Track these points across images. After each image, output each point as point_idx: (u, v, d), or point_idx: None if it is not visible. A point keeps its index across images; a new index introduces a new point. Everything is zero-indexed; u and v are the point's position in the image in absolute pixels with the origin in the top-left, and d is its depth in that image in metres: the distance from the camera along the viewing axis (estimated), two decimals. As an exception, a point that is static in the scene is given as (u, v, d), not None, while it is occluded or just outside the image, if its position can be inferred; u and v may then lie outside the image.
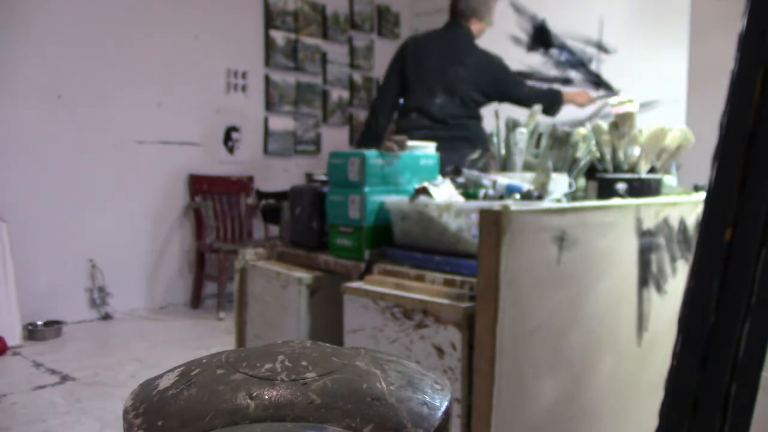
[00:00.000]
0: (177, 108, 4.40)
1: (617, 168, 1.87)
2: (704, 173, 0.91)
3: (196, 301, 4.44)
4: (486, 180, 1.76)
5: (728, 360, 0.78)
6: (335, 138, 5.52)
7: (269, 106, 4.99)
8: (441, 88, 2.93)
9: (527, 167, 1.95)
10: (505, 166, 1.97)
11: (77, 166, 3.93)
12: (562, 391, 1.38)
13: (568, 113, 3.16)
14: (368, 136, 3.05)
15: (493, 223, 1.20)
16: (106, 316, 4.04)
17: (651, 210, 1.62)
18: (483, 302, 1.22)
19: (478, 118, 3.00)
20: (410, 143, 1.83)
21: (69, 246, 3.90)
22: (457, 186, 1.78)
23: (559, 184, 1.78)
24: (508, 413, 1.23)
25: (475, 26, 3.05)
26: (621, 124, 1.85)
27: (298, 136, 5.21)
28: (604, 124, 1.91)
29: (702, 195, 1.68)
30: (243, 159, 4.83)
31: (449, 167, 2.00)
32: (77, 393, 2.73)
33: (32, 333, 3.55)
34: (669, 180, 2.00)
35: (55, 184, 3.84)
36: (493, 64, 3.01)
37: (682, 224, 1.74)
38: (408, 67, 3.01)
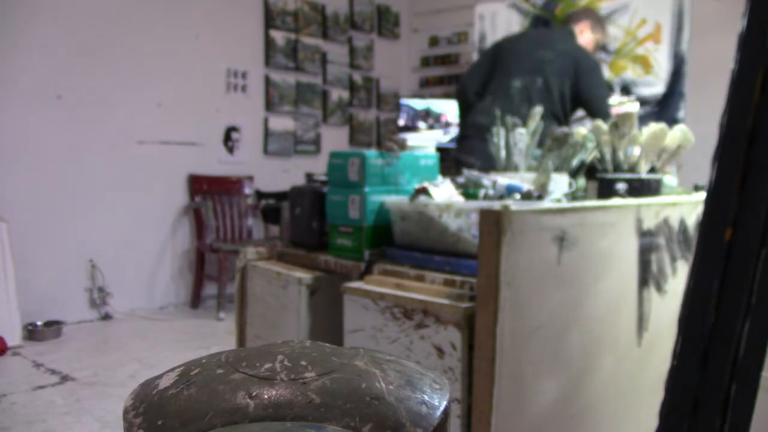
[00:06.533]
0: (177, 108, 4.40)
1: (617, 168, 1.87)
2: (704, 173, 0.91)
3: (196, 301, 4.44)
4: (486, 180, 1.76)
5: (728, 360, 0.78)
6: (335, 138, 5.52)
7: (269, 106, 4.99)
8: (524, 69, 2.73)
9: (529, 168, 1.95)
10: (506, 166, 1.97)
11: (77, 166, 3.93)
12: (562, 391, 1.38)
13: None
14: (464, 114, 2.93)
15: (493, 223, 1.20)
16: (106, 316, 4.04)
17: (651, 210, 1.62)
18: (483, 302, 1.22)
19: (555, 117, 2.71)
20: (411, 143, 1.83)
21: (69, 246, 3.90)
22: (457, 186, 1.77)
23: (559, 184, 1.78)
24: (508, 413, 1.23)
25: (583, 31, 2.89)
26: (621, 124, 1.85)
27: (298, 136, 5.21)
28: (604, 124, 1.91)
29: (702, 195, 1.68)
30: (243, 159, 4.83)
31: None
32: (77, 393, 2.73)
33: (32, 333, 3.55)
34: (669, 180, 2.00)
35: (55, 184, 3.84)
36: (584, 55, 2.79)
37: (682, 224, 1.74)
38: (499, 53, 2.86)
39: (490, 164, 2.07)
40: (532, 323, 1.28)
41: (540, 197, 1.63)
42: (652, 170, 1.89)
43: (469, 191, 1.73)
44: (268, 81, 4.97)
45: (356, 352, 0.67)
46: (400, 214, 1.61)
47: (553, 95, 2.70)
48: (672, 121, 2.93)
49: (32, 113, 3.73)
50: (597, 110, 2.69)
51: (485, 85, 2.86)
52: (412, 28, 6.15)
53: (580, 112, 2.91)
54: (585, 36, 2.91)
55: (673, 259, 1.71)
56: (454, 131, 5.21)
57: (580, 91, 2.74)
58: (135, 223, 4.23)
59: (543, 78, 2.69)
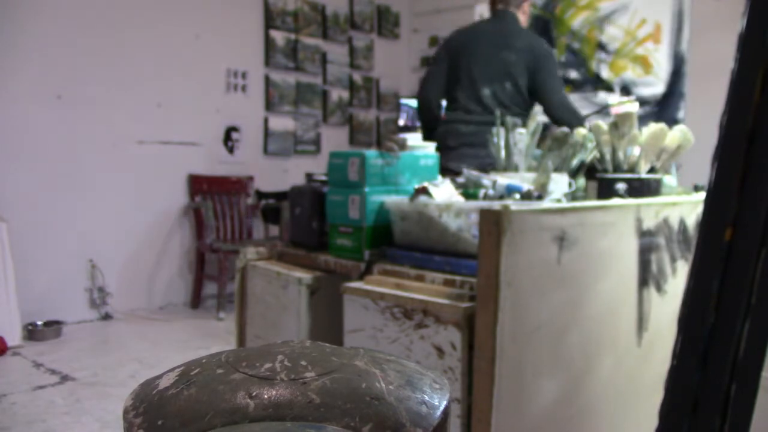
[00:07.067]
0: (177, 108, 4.40)
1: (617, 168, 1.87)
2: (704, 173, 0.91)
3: (196, 301, 4.44)
4: (486, 180, 1.76)
5: (728, 360, 0.78)
6: (335, 138, 5.52)
7: (269, 106, 4.99)
8: (491, 75, 2.69)
9: (529, 168, 1.95)
10: (506, 166, 1.97)
11: (77, 166, 3.93)
12: (562, 391, 1.38)
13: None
14: (429, 125, 2.84)
15: (493, 223, 1.20)
16: (106, 316, 4.04)
17: (651, 210, 1.62)
18: (483, 302, 1.22)
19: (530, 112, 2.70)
20: (411, 143, 1.83)
21: (69, 246, 3.90)
22: (457, 186, 1.78)
23: (559, 184, 1.78)
24: (508, 413, 1.23)
25: (526, 12, 2.83)
26: (621, 124, 1.85)
27: (298, 136, 5.21)
28: (604, 124, 1.91)
29: (702, 195, 1.68)
30: (243, 159, 4.83)
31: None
32: (77, 393, 2.73)
33: (32, 333, 3.55)
34: (669, 180, 2.00)
35: (56, 184, 3.84)
36: (541, 46, 2.77)
37: (682, 224, 1.74)
38: (456, 58, 2.76)
39: (482, 169, 2.07)
40: (532, 323, 1.28)
41: (540, 197, 1.63)
42: (652, 170, 1.89)
43: (469, 191, 1.73)
44: (268, 81, 4.97)
45: (356, 352, 0.67)
46: (400, 214, 1.61)
47: (524, 95, 2.71)
48: (672, 121, 2.93)
49: (32, 113, 3.73)
50: (552, 105, 2.65)
51: (447, 93, 2.79)
52: (412, 28, 6.15)
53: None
54: (526, 13, 2.85)
55: (673, 259, 1.71)
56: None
57: (535, 85, 2.70)
58: (135, 223, 4.23)
59: (511, 81, 2.68)
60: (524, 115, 2.57)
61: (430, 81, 2.83)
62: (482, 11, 4.72)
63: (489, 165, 2.10)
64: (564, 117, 2.61)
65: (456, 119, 2.71)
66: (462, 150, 2.62)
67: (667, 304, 1.68)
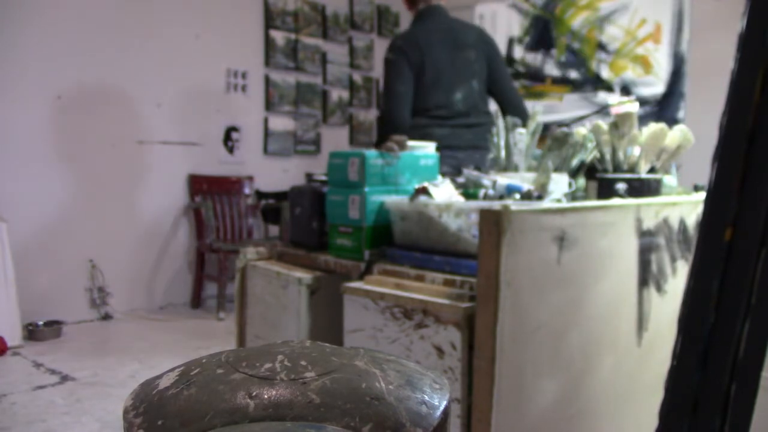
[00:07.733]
0: (177, 108, 4.40)
1: (617, 168, 1.87)
2: (704, 173, 0.91)
3: (196, 301, 4.44)
4: (486, 180, 1.76)
5: (728, 360, 0.78)
6: (335, 138, 5.52)
7: (269, 106, 4.99)
8: (460, 79, 2.65)
9: (529, 168, 1.95)
10: (506, 166, 1.97)
11: (77, 166, 3.93)
12: (562, 391, 1.38)
13: (567, 113, 3.13)
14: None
15: (493, 223, 1.20)
16: (106, 316, 4.04)
17: (651, 210, 1.62)
18: (483, 302, 1.22)
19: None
20: (411, 143, 1.83)
21: (69, 246, 3.90)
22: (457, 186, 1.77)
23: (559, 184, 1.78)
24: (508, 413, 1.23)
25: None
26: (621, 124, 1.85)
27: (298, 136, 5.21)
28: (604, 124, 1.91)
29: (702, 195, 1.68)
30: (243, 159, 4.83)
31: (472, 165, 1.97)
32: (77, 393, 2.73)
33: (32, 333, 3.55)
34: (669, 180, 2.00)
35: (55, 184, 3.84)
36: (488, 35, 2.78)
37: (682, 224, 1.74)
38: (420, 72, 2.67)
39: (460, 171, 2.08)
40: (532, 323, 1.28)
41: (540, 197, 1.63)
42: (652, 170, 1.89)
43: (469, 191, 1.73)
44: (268, 81, 4.97)
45: (356, 352, 0.67)
46: (400, 214, 1.61)
47: (487, 89, 2.74)
48: (672, 121, 2.93)
49: (32, 113, 3.73)
50: (511, 93, 2.68)
51: (413, 104, 2.70)
52: (412, 28, 6.14)
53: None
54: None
55: (673, 259, 1.71)
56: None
57: (492, 75, 2.71)
58: (135, 223, 4.23)
59: (476, 79, 2.68)
60: (490, 111, 2.68)
61: (401, 103, 2.68)
62: (482, 11, 4.72)
63: (468, 166, 2.11)
64: (520, 105, 2.64)
65: (429, 124, 2.68)
66: (440, 152, 2.61)
67: (667, 304, 1.68)
